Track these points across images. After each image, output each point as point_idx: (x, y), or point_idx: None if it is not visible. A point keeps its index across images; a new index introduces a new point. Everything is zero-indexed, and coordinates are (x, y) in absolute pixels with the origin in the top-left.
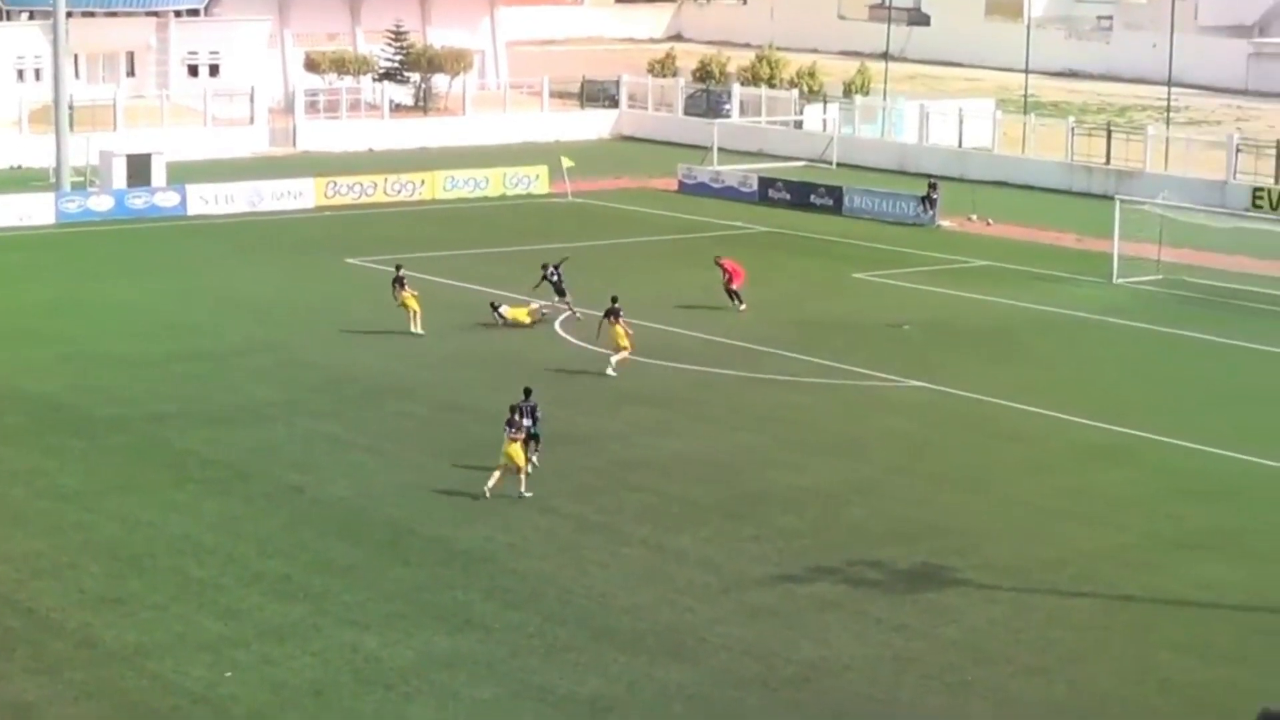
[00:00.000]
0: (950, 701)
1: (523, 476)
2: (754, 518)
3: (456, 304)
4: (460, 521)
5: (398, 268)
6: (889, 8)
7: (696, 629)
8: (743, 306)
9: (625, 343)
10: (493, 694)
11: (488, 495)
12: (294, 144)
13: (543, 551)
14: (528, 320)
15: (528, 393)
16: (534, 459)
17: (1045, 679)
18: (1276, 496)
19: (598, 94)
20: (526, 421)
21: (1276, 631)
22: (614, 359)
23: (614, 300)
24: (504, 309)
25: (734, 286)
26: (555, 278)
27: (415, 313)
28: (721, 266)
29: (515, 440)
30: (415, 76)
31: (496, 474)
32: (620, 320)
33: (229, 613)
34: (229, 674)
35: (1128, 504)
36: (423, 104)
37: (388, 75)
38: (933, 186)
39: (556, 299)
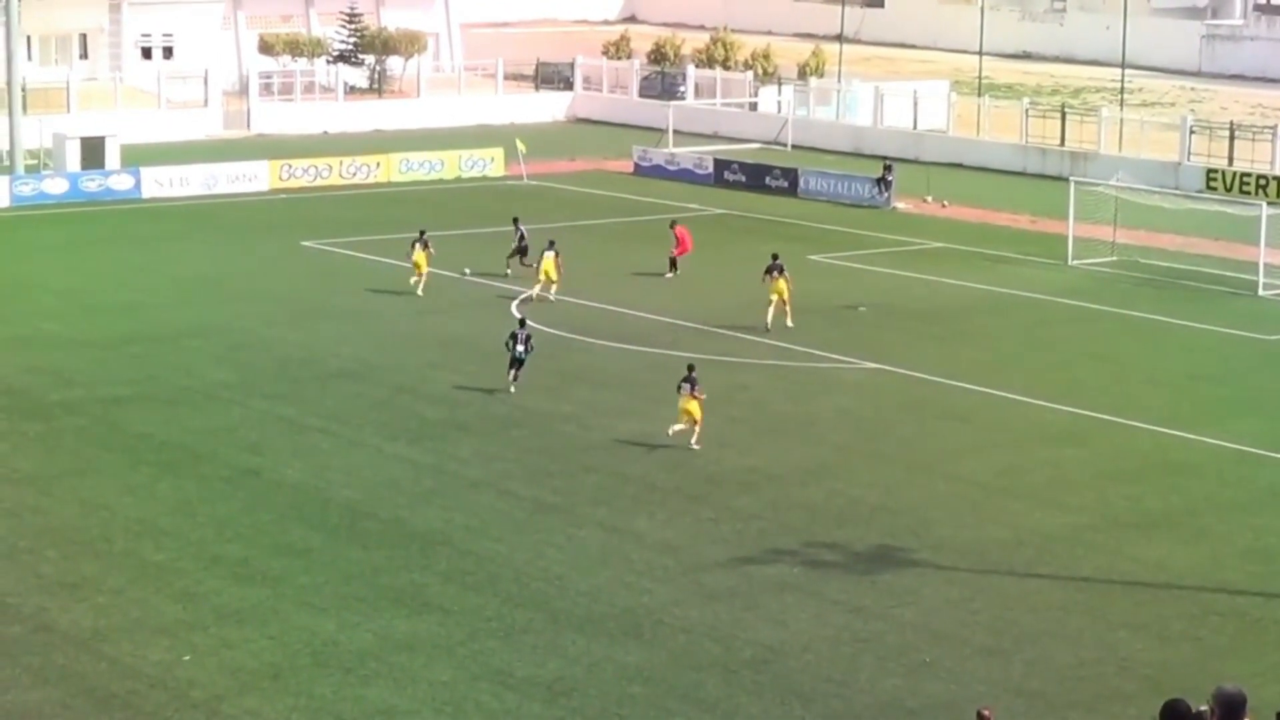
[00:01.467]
0: (908, 682)
1: (697, 430)
2: (710, 499)
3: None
4: (417, 504)
5: (421, 232)
6: None
7: (655, 611)
8: (668, 275)
9: (786, 296)
10: (451, 676)
11: (670, 435)
12: (248, 127)
13: (499, 533)
14: (546, 280)
15: (522, 323)
16: (518, 376)
17: (1003, 660)
18: (1229, 476)
19: (552, 76)
20: (520, 348)
21: (1232, 611)
22: (770, 315)
23: (775, 257)
24: (549, 252)
25: (676, 254)
26: (521, 239)
27: (422, 275)
28: (674, 234)
29: (694, 399)
30: (369, 59)
31: (679, 425)
32: (782, 275)
33: (186, 596)
34: (187, 657)
35: (1082, 485)
36: (377, 86)
37: (342, 57)
38: (888, 169)
39: (520, 259)
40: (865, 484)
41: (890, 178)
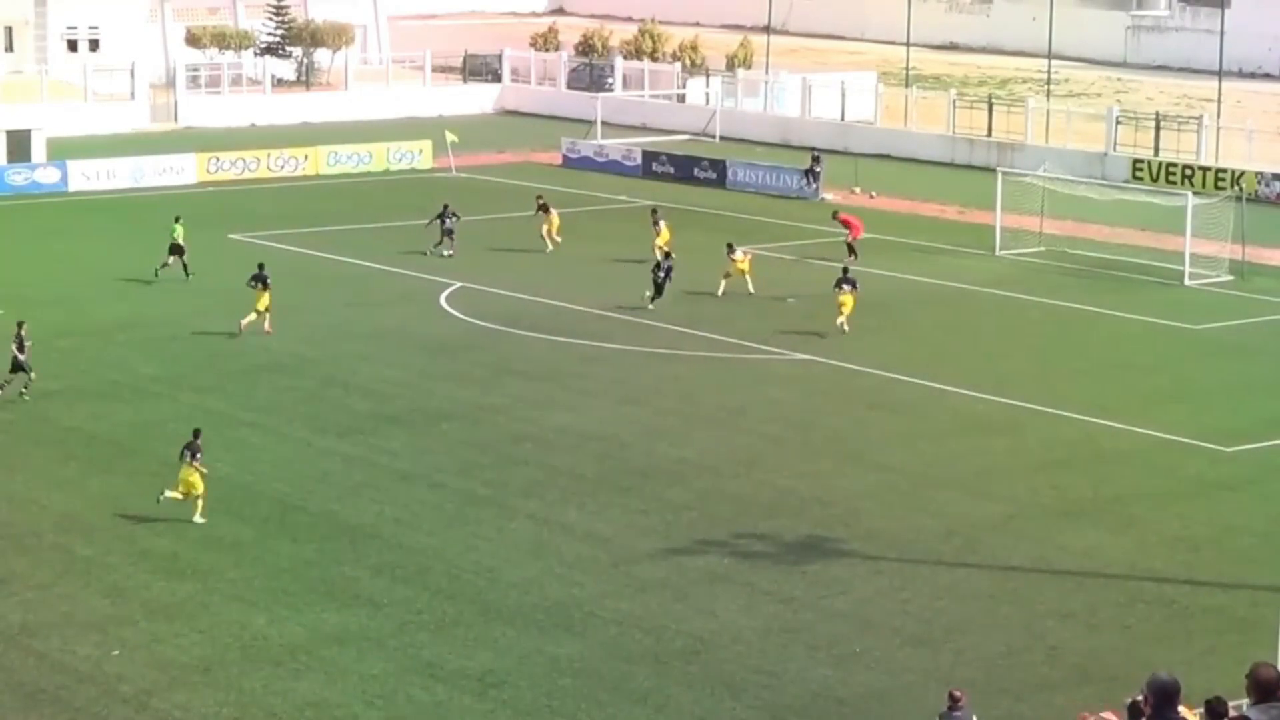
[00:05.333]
0: (838, 672)
1: (844, 321)
2: (641, 491)
3: (340, 278)
4: (347, 497)
5: (539, 198)
6: None
7: (585, 603)
8: (851, 259)
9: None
10: (382, 669)
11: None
12: (175, 119)
13: (430, 527)
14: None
15: (668, 255)
16: (656, 297)
17: (932, 649)
18: (1157, 465)
19: (480, 68)
20: (663, 274)
21: (1159, 599)
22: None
23: (846, 271)
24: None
25: (852, 239)
26: (448, 221)
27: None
28: (841, 222)
29: (849, 294)
30: (297, 51)
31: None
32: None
33: (115, 591)
34: (116, 652)
35: (1011, 474)
36: (305, 79)
37: (269, 50)
38: (815, 159)
39: (445, 239)
40: (796, 475)
41: (818, 169)
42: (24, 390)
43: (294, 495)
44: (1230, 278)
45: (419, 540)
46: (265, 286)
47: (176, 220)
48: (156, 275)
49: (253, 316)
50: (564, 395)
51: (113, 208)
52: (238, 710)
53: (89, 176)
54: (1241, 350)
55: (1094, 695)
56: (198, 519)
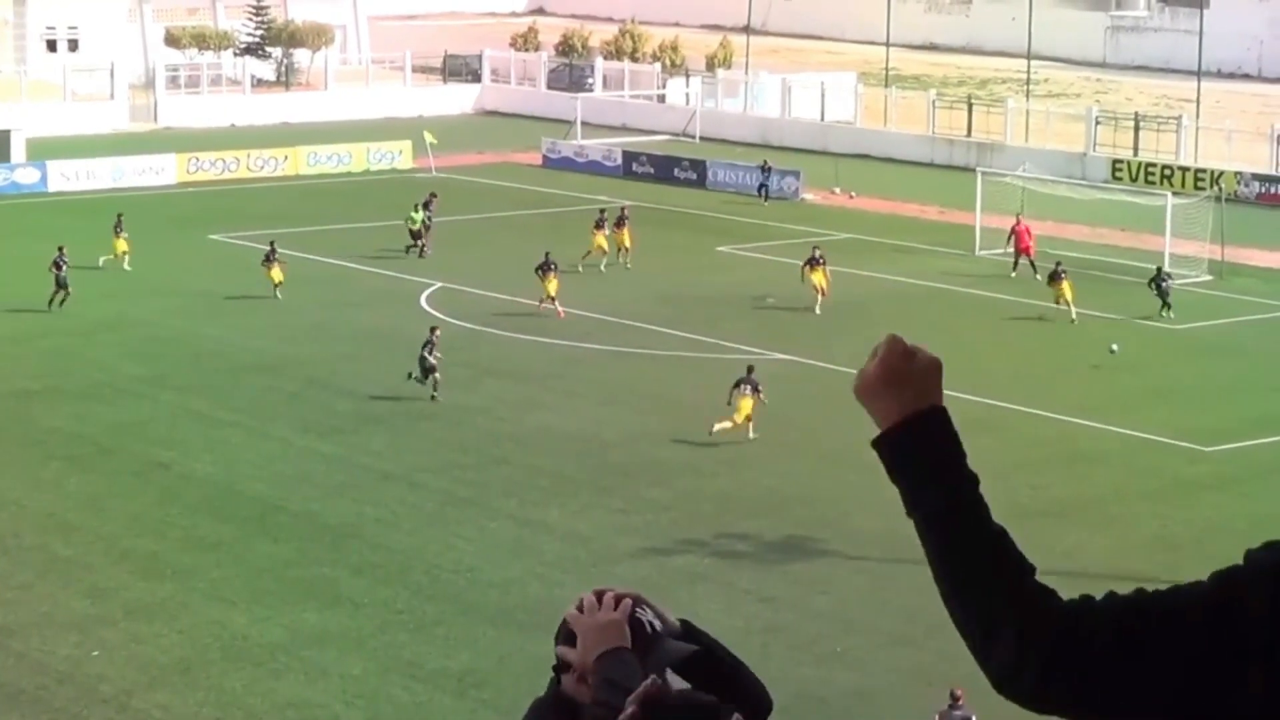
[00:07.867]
0: (819, 672)
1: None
2: (621, 491)
3: (321, 279)
4: (328, 497)
5: (601, 211)
6: None
7: (566, 602)
8: (1014, 274)
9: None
10: (362, 669)
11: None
12: (155, 120)
13: (410, 526)
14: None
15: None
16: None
17: (913, 648)
18: (1135, 464)
19: (460, 68)
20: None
21: None
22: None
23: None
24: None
25: (1024, 249)
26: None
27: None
28: (1017, 232)
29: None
30: (277, 51)
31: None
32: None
33: (96, 591)
34: (96, 653)
35: (990, 474)
36: (285, 79)
37: (249, 50)
38: (766, 170)
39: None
40: (777, 474)
41: (767, 182)
42: (434, 392)
43: (275, 495)
44: (1210, 277)
45: (400, 540)
46: (547, 272)
47: (415, 209)
48: (406, 253)
49: (548, 297)
50: (545, 395)
51: (92, 208)
52: (218, 710)
53: (68, 177)
54: (1221, 350)
55: None
56: (751, 435)
